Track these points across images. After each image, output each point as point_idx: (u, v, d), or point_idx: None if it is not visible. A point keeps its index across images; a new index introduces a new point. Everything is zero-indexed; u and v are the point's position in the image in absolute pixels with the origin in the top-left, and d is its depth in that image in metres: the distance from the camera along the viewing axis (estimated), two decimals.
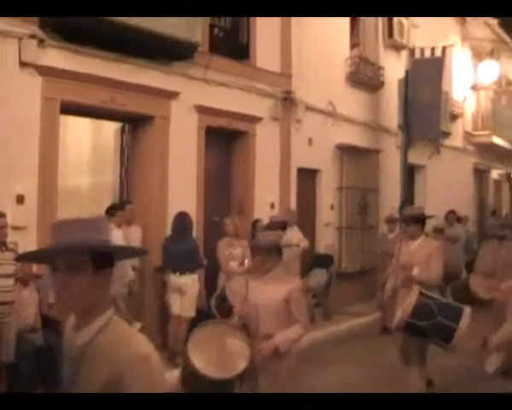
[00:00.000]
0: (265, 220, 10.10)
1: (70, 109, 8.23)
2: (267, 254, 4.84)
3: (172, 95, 9.23)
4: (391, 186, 14.27)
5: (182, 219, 8.50)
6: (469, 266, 11.93)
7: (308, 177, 12.36)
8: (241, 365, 4.43)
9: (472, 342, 8.80)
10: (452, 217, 13.68)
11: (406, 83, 13.81)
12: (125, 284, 8.04)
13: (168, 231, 8.76)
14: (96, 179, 10.16)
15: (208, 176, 10.03)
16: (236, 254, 8.85)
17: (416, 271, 6.35)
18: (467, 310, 5.86)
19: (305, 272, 11.18)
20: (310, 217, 12.40)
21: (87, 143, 10.26)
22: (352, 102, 13.44)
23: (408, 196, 14.59)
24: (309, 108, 12.00)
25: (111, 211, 8.17)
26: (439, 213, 14.59)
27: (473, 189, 21.08)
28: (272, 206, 11.07)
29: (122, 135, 9.59)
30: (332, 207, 12.83)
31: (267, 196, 10.99)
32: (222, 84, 10.03)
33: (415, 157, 15.07)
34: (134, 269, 8.30)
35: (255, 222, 10.15)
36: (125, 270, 7.93)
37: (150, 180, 9.19)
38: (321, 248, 12.47)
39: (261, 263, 4.90)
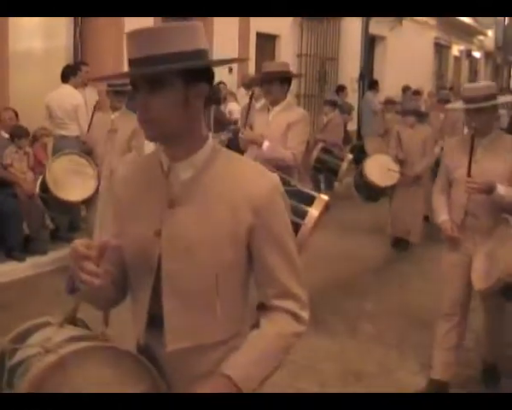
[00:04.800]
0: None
1: None
2: None
3: None
4: (351, 56, 14.23)
5: None
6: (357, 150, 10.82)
7: (267, 42, 12.22)
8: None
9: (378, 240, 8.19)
10: (339, 88, 13.00)
11: None
12: None
13: None
14: (50, 42, 9.87)
15: None
16: None
17: (265, 145, 4.82)
18: (319, 202, 4.51)
19: None
20: None
21: None
22: None
23: (367, 67, 14.60)
24: None
25: (66, 72, 8.01)
26: (398, 86, 14.71)
27: (433, 64, 21.11)
28: (230, 70, 11.00)
29: None
30: None
31: None
32: None
33: (376, 28, 14.96)
34: None
35: (218, 85, 10.14)
36: None
37: (105, 42, 8.99)
38: None
39: None
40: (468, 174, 3.78)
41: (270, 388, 4.24)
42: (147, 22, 9.21)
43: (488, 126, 3.93)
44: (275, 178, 1.81)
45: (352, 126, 13.74)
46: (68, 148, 7.65)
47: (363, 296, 6.26)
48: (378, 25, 14.91)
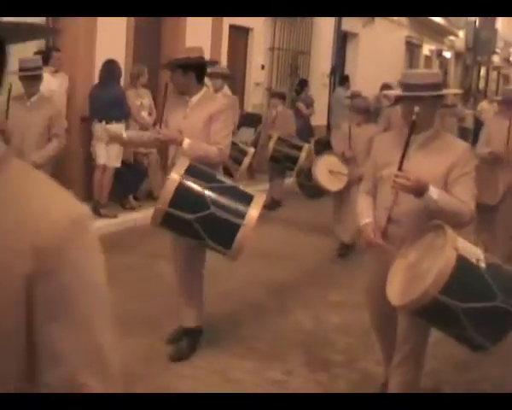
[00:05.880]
0: None
1: None
2: None
3: None
4: (323, 51, 14.30)
5: (109, 67, 8.36)
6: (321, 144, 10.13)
7: (240, 35, 12.21)
8: None
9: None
10: (303, 82, 13.01)
11: None
12: None
13: (96, 80, 8.61)
14: None
15: (138, 25, 9.79)
16: (145, 103, 8.87)
17: (186, 143, 4.31)
18: (258, 200, 4.15)
19: (234, 131, 11.27)
20: (240, 76, 12.38)
21: None
22: None
23: (339, 63, 14.69)
24: None
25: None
26: (370, 83, 14.78)
27: (404, 62, 21.28)
28: None
29: None
30: (263, 68, 12.81)
31: None
32: None
33: (349, 24, 15.05)
34: None
35: None
36: None
37: (78, 27, 8.89)
38: (249, 107, 12.54)
39: None
40: (399, 169, 3.23)
41: (237, 375, 4.30)
42: (120, 21, 9.19)
43: (427, 121, 3.37)
44: (80, 209, 1.18)
45: (322, 121, 13.84)
46: None
47: (328, 287, 6.33)
48: (351, 21, 15.00)
